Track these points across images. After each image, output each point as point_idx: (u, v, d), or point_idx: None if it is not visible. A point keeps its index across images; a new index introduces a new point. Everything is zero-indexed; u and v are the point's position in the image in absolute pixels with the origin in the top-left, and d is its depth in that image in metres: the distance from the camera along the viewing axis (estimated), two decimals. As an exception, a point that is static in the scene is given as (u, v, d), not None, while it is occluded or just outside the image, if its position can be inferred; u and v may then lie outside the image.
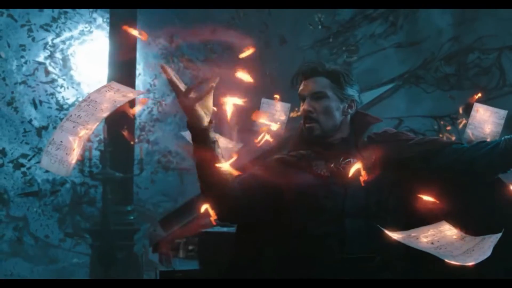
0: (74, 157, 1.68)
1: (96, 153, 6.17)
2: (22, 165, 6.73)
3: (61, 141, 1.69)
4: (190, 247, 3.93)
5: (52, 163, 1.68)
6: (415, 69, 6.92)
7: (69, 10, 6.96)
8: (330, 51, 7.21)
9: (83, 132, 1.70)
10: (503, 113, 2.69)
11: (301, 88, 2.23)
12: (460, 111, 6.49)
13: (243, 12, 7.12)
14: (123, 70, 5.92)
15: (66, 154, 1.68)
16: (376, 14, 7.15)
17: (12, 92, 6.81)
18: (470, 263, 1.66)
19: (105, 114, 1.73)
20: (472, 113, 2.69)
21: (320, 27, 7.27)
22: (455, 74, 6.85)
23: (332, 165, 2.16)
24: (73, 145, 1.68)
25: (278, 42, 7.33)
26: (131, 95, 1.80)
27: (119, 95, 1.77)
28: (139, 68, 7.06)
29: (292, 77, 2.28)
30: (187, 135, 2.54)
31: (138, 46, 6.62)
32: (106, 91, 1.78)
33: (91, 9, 7.04)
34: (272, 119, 2.77)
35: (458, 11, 6.83)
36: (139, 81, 7.06)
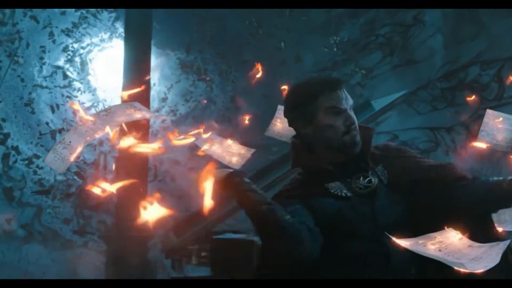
0: (74, 156, 1.77)
1: (110, 159, 6.22)
2: (37, 166, 6.80)
3: (70, 142, 1.79)
4: (203, 254, 3.95)
5: (55, 160, 1.78)
6: (414, 91, 6.95)
7: (89, 16, 7.06)
8: (346, 72, 7.29)
9: (92, 137, 1.79)
10: None
11: (335, 100, 2.14)
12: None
13: (261, 30, 7.21)
14: (137, 79, 5.96)
15: (70, 153, 1.78)
16: (373, 45, 7.23)
17: (30, 93, 6.90)
18: (479, 271, 1.66)
19: (117, 127, 1.82)
20: (485, 119, 2.63)
21: (335, 49, 7.34)
22: (452, 89, 6.85)
23: (353, 185, 2.12)
24: (79, 147, 1.77)
25: (293, 60, 7.40)
26: (149, 115, 1.90)
27: (139, 114, 1.86)
28: (155, 78, 7.14)
29: (313, 89, 2.17)
30: (199, 143, 2.59)
31: (154, 56, 6.70)
32: (127, 108, 1.86)
33: (112, 18, 7.13)
34: (284, 127, 2.80)
35: (452, 32, 6.94)
36: (154, 91, 7.14)
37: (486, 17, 6.71)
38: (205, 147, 2.61)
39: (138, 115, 1.87)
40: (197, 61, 7.26)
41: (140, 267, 5.79)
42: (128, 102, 1.91)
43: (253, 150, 2.69)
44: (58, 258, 6.69)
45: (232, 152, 2.82)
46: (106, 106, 6.94)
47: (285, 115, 2.27)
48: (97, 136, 1.82)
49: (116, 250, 5.75)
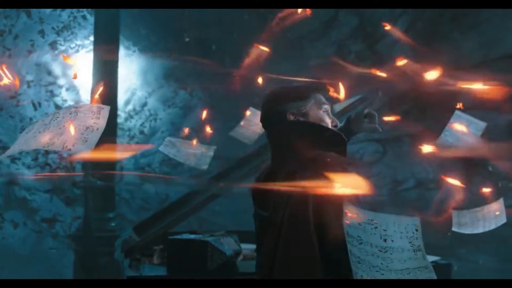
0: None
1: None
2: (14, 158, 6.82)
3: (60, 127, 1.86)
4: (166, 254, 3.97)
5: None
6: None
7: (78, 16, 7.11)
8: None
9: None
10: (482, 125, 2.63)
11: (324, 100, 2.43)
12: None
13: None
14: (105, 80, 5.92)
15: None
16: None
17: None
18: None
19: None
20: (452, 119, 2.64)
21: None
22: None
23: None
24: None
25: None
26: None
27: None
28: (136, 84, 7.20)
29: (308, 87, 2.42)
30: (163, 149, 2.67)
31: (138, 62, 6.74)
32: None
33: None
34: (249, 129, 2.86)
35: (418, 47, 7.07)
36: (136, 97, 7.20)
37: (456, 34, 6.82)
38: (165, 148, 2.69)
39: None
40: (179, 69, 7.33)
41: (107, 267, 5.81)
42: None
43: (214, 147, 2.76)
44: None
45: (195, 152, 2.90)
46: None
47: (274, 108, 2.37)
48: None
49: (84, 249, 5.77)
